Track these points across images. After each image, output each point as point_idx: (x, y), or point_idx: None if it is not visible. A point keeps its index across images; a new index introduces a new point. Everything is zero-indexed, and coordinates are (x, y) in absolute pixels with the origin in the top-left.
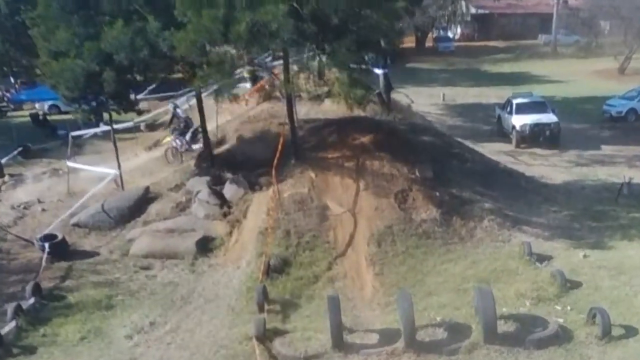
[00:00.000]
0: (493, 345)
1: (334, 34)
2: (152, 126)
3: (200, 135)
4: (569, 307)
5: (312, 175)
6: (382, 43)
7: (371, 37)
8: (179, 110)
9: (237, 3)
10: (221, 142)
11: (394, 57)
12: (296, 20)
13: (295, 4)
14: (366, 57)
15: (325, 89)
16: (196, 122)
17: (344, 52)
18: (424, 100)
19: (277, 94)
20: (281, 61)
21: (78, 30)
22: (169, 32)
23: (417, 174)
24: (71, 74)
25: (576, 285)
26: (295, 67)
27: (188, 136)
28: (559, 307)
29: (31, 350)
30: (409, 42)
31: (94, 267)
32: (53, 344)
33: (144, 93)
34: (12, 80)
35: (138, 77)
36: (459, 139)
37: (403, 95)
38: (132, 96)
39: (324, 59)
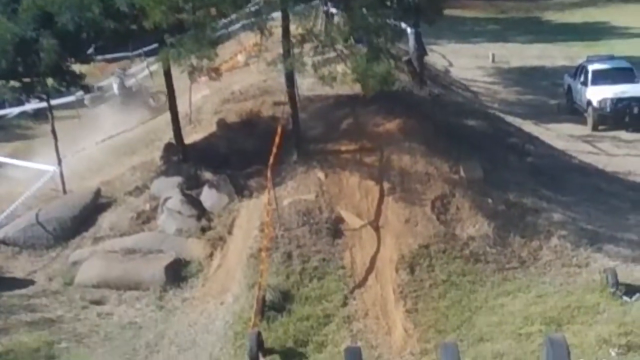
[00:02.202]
0: None
1: None
2: (99, 100)
3: None
4: None
5: (321, 175)
6: None
7: None
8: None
9: None
10: (196, 127)
11: (430, 9)
12: None
13: None
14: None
15: (338, 68)
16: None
17: (362, 10)
18: (467, 63)
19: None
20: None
21: None
22: None
23: (462, 173)
24: None
25: None
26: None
27: None
28: None
29: None
30: None
31: (28, 301)
32: None
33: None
34: None
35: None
36: (517, 119)
37: (438, 55)
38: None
39: (336, 20)
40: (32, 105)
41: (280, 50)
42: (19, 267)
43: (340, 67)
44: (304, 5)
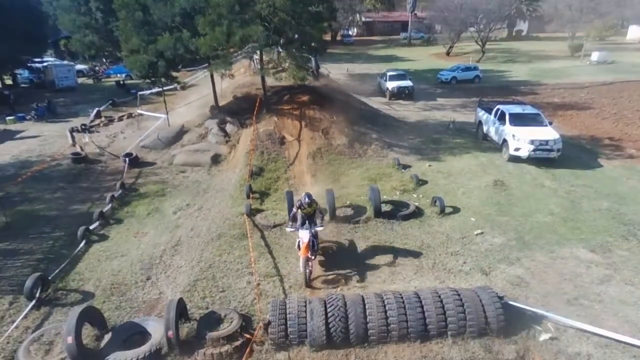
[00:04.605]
0: (379, 219)
1: (288, 41)
2: (184, 87)
3: None
4: (421, 196)
5: (276, 119)
6: (315, 45)
7: (309, 42)
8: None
9: (234, 25)
10: (224, 98)
11: (321, 49)
12: (267, 34)
13: (267, 24)
14: (305, 53)
15: (283, 74)
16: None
17: (293, 50)
18: (336, 72)
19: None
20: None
21: (143, 37)
22: (195, 39)
23: (334, 117)
24: (140, 63)
25: (424, 182)
26: (266, 58)
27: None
28: (415, 196)
29: (119, 221)
30: (327, 37)
31: (153, 172)
32: (132, 217)
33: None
34: (104, 61)
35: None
36: (357, 95)
37: (324, 69)
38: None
39: (282, 54)
40: (154, 90)
41: (259, 66)
42: (150, 157)
43: (284, 74)
44: (269, 48)
